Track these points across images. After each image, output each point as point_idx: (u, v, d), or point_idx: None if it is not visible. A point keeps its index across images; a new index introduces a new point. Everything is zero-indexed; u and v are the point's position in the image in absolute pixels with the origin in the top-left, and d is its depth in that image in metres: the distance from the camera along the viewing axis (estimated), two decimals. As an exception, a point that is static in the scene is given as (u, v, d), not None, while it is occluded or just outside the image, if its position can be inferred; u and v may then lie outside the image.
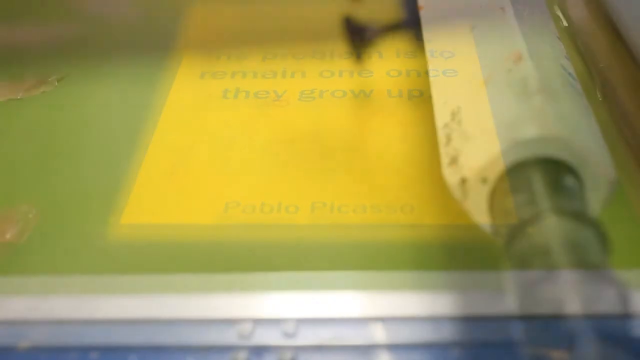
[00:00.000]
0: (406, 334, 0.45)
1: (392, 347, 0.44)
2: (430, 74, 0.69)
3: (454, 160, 0.31)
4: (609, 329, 0.44)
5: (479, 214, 0.31)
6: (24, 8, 0.81)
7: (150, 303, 0.46)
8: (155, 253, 0.51)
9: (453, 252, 0.51)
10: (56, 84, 0.69)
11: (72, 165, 0.61)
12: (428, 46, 0.73)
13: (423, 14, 0.41)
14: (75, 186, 0.57)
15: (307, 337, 0.45)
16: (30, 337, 0.45)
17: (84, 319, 0.45)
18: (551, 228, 0.27)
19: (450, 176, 0.31)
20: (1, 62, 0.75)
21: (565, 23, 0.59)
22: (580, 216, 0.28)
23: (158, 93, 0.67)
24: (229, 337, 0.45)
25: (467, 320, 0.45)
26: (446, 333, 0.45)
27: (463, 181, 0.30)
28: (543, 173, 0.28)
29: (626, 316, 0.29)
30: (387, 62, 0.72)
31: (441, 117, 0.32)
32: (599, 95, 0.57)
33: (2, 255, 0.51)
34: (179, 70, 0.71)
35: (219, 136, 0.62)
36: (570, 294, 0.26)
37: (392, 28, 0.58)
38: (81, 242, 0.52)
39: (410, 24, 0.57)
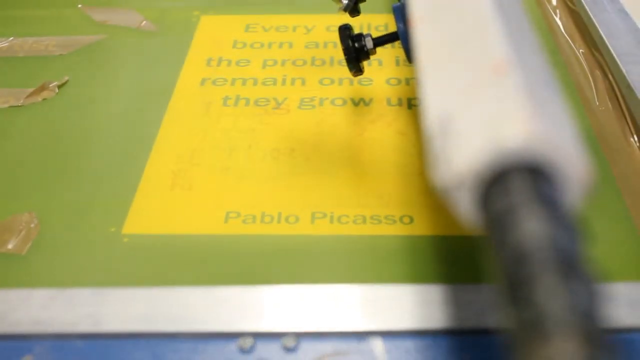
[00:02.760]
0: (406, 349, 0.45)
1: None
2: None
3: (444, 165, 0.32)
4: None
5: (467, 217, 0.31)
6: (31, 17, 0.82)
7: (151, 316, 0.46)
8: (156, 265, 0.51)
9: (453, 265, 0.51)
10: (57, 90, 0.69)
11: (73, 174, 0.61)
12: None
13: (417, 27, 0.41)
14: (77, 195, 0.57)
15: (308, 351, 0.45)
16: (33, 352, 0.45)
17: (86, 332, 0.46)
18: (531, 231, 0.28)
19: (439, 180, 0.31)
20: (2, 69, 0.75)
21: (548, 34, 0.59)
22: (559, 218, 0.29)
23: (159, 100, 0.68)
24: (229, 351, 0.45)
25: (466, 334, 0.46)
26: (445, 347, 0.45)
27: (452, 186, 0.31)
28: (526, 179, 0.29)
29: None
30: (387, 70, 0.72)
31: (431, 122, 0.33)
32: (580, 102, 0.58)
33: (4, 267, 0.52)
34: (180, 76, 0.71)
35: (219, 145, 0.63)
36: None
37: (387, 39, 0.58)
38: (83, 253, 0.52)
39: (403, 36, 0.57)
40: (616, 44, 0.58)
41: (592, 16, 0.65)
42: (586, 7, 0.69)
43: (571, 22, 0.70)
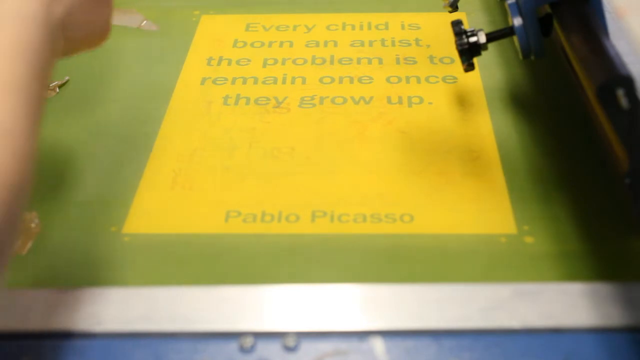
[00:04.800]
0: (406, 348, 0.45)
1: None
2: (430, 80, 0.70)
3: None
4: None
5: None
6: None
7: (151, 316, 0.47)
8: (157, 264, 0.51)
9: (454, 263, 0.51)
10: (57, 90, 0.69)
11: (73, 174, 0.61)
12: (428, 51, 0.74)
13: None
14: (78, 195, 0.57)
15: (308, 351, 0.45)
16: (33, 351, 0.45)
17: (86, 332, 0.46)
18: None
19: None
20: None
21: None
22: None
23: (160, 100, 0.68)
24: (230, 351, 0.45)
25: (467, 334, 0.46)
26: (446, 347, 0.45)
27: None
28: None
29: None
30: (387, 68, 0.72)
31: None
32: (581, 102, 0.58)
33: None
34: (181, 76, 0.71)
35: (220, 144, 0.63)
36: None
37: (501, 34, 0.58)
38: (83, 253, 0.52)
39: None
40: (615, 45, 0.58)
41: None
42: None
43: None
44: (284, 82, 0.70)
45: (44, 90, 0.40)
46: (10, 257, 0.36)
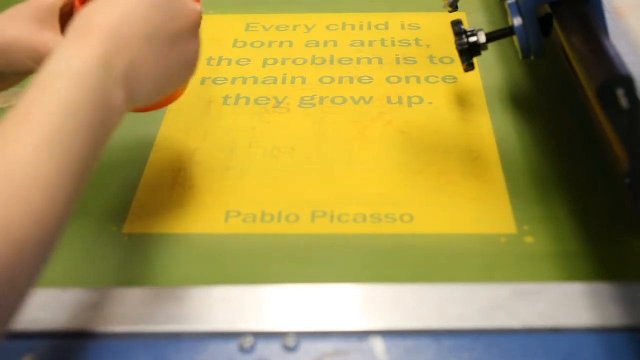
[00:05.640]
0: (406, 348, 0.45)
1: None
2: (430, 80, 0.70)
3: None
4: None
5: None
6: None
7: (151, 316, 0.47)
8: (157, 264, 0.51)
9: (454, 263, 0.51)
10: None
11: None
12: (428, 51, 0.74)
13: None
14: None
15: (308, 351, 0.45)
16: (35, 350, 0.45)
17: (87, 332, 0.46)
18: None
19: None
20: None
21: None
22: None
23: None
24: (230, 351, 0.45)
25: (467, 334, 0.46)
26: (445, 347, 0.45)
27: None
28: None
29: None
30: (387, 68, 0.72)
31: None
32: (581, 102, 0.58)
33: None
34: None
35: (220, 144, 0.63)
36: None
37: (501, 34, 0.59)
38: (83, 253, 0.52)
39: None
40: (615, 45, 0.58)
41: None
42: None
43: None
44: (284, 82, 0.70)
45: (94, 146, 0.39)
46: (8, 324, 0.35)
